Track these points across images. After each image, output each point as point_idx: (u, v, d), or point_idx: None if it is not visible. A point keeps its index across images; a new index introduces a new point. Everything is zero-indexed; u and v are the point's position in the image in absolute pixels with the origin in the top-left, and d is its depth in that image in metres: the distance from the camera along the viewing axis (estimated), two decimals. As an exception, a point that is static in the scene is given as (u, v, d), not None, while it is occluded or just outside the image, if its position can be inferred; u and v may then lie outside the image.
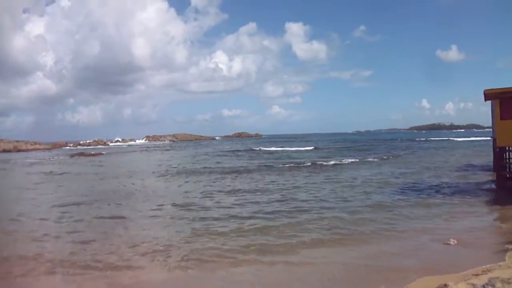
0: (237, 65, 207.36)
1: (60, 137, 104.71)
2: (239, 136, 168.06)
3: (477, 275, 6.44)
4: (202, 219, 13.08)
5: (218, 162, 38.21)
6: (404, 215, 12.86)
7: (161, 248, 9.86)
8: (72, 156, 56.95)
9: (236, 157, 46.40)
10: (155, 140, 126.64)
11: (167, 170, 30.99)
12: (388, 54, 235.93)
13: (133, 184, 23.42)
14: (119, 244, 10.35)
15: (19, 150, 76.10)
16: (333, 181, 21.55)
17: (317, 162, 34.11)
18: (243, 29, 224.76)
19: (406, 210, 13.62)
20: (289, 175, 25.39)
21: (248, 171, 28.59)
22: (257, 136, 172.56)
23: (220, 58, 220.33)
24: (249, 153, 53.05)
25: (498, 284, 5.39)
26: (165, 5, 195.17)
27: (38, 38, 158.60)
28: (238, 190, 19.33)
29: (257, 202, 15.90)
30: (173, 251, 9.53)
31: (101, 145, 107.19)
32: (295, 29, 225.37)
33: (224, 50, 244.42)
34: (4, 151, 73.45)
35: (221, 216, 13.48)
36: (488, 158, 27.18)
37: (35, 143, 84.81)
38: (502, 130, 16.60)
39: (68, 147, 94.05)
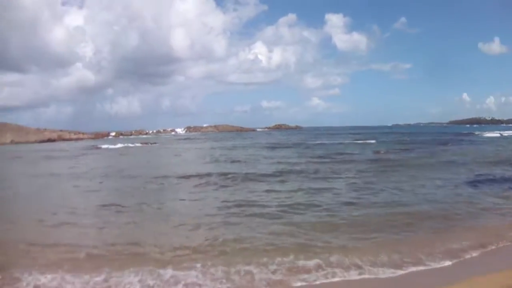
0: (276, 56, 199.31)
1: (99, 127, 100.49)
2: (279, 127, 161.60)
3: None
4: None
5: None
6: None
7: None
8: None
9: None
10: (196, 131, 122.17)
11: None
12: (428, 47, 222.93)
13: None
14: None
15: (63, 139, 73.39)
16: None
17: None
18: (283, 20, 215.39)
19: None
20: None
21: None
22: (297, 128, 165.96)
23: (259, 49, 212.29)
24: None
25: None
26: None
27: (77, 30, 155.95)
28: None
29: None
30: None
31: (143, 135, 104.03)
32: (335, 21, 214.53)
33: (264, 41, 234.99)
34: (49, 140, 70.68)
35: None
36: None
37: (78, 133, 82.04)
38: None
39: (111, 137, 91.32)
